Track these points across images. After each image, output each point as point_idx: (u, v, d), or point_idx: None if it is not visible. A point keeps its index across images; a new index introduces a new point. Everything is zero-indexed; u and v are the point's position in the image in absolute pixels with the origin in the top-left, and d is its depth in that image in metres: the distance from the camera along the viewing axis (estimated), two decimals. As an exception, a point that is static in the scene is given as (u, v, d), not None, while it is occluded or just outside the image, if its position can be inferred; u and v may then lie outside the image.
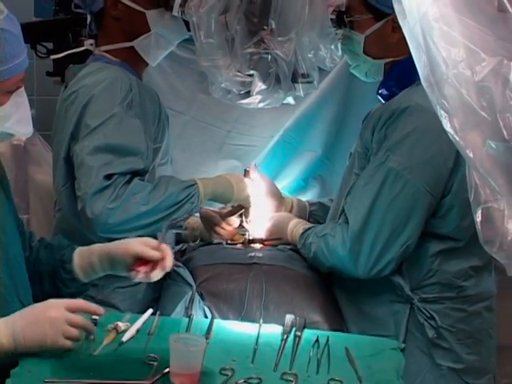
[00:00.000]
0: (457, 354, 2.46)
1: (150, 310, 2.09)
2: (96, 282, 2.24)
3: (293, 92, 2.59)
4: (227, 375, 1.82)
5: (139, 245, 2.03)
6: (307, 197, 3.04)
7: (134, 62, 2.58)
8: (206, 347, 1.80)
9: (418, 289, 2.44)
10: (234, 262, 2.57)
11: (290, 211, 2.82)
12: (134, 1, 2.51)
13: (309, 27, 2.49)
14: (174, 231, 2.61)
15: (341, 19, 2.52)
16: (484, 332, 2.52)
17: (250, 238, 2.74)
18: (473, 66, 1.63)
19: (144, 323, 2.03)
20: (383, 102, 2.52)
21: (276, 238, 2.71)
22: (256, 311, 2.39)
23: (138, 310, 2.27)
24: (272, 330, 2.09)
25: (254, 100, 2.57)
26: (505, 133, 1.62)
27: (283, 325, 2.09)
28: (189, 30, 2.51)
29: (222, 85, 2.56)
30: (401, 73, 2.45)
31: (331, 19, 2.53)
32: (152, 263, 2.01)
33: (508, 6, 1.62)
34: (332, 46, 2.56)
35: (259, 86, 2.54)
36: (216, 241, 2.76)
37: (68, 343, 1.83)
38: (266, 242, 2.73)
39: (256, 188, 2.71)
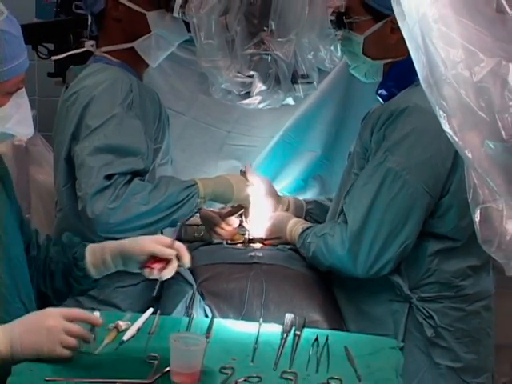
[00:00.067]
0: (455, 353, 2.47)
1: (151, 309, 2.09)
2: (97, 281, 2.25)
3: (292, 93, 2.60)
4: (227, 374, 1.83)
5: (154, 244, 2.03)
6: (307, 197, 3.02)
7: (135, 63, 2.58)
8: (206, 346, 1.81)
9: (417, 288, 2.45)
10: (234, 261, 2.58)
11: (287, 210, 2.82)
12: (135, 2, 2.51)
13: (308, 28, 2.50)
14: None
15: (340, 20, 2.52)
16: (482, 331, 2.52)
17: (250, 237, 2.75)
18: (471, 66, 1.63)
19: (144, 322, 2.03)
20: (382, 102, 2.53)
21: (276, 238, 2.72)
22: (256, 310, 2.39)
23: (138, 309, 2.27)
24: (272, 329, 2.09)
25: (254, 101, 2.58)
26: (503, 133, 1.62)
27: (283, 324, 2.09)
28: (189, 31, 2.52)
29: (222, 85, 2.57)
30: (400, 73, 2.45)
31: (331, 20, 2.54)
32: (165, 261, 2.01)
33: (506, 7, 1.62)
34: (331, 47, 2.57)
35: (259, 86, 2.55)
36: (216, 241, 2.77)
37: (65, 352, 1.82)
38: (265, 242, 2.73)
39: (254, 188, 2.71)
